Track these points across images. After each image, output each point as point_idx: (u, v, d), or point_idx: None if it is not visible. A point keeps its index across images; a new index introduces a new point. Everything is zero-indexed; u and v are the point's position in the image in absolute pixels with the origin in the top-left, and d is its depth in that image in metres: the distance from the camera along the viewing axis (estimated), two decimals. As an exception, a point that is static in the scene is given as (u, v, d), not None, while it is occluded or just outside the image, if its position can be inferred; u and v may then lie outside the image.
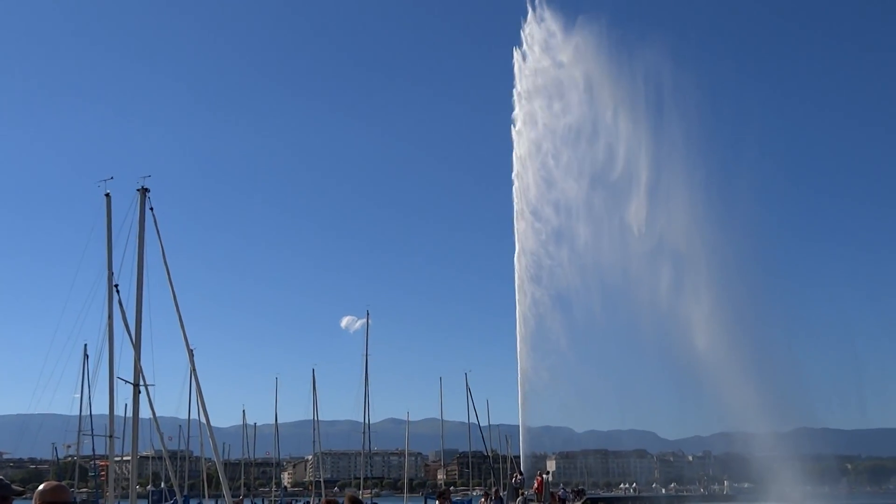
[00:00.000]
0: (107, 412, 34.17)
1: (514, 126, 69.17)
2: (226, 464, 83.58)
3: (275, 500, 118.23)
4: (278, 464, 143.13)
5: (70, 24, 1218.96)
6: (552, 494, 54.70)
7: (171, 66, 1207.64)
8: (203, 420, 36.69)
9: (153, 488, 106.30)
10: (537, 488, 52.57)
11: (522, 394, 63.40)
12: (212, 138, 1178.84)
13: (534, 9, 69.08)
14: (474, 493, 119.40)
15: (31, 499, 5.85)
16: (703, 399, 79.80)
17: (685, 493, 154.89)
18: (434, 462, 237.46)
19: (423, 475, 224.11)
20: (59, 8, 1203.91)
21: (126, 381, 32.61)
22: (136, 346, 32.31)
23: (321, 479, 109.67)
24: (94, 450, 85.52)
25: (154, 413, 33.68)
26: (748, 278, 74.87)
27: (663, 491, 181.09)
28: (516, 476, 59.39)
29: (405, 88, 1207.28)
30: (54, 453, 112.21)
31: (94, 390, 73.31)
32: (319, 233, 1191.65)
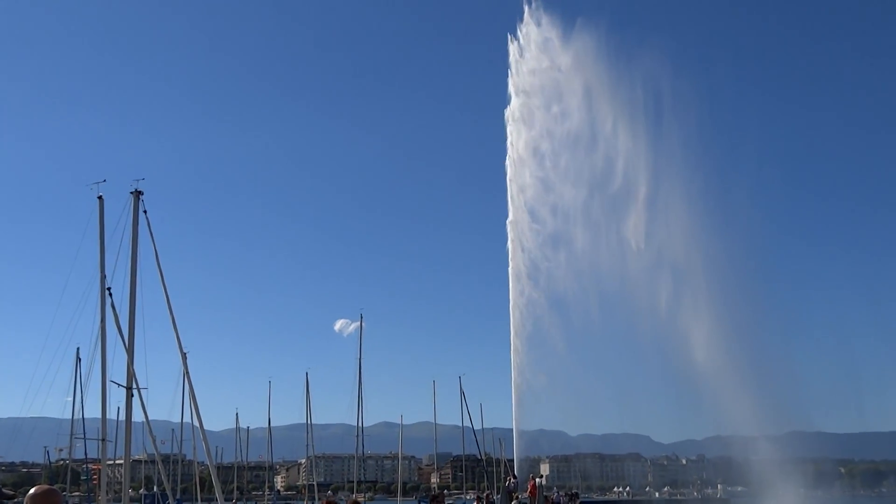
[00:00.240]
0: (99, 416, 34.12)
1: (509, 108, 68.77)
2: (219, 467, 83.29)
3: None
4: (271, 467, 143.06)
5: (63, 26, 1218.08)
6: (546, 498, 54.66)
7: (165, 68, 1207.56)
8: (196, 423, 36.52)
9: (146, 492, 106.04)
10: (531, 492, 52.53)
11: (516, 397, 63.31)
12: (206, 141, 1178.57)
13: (531, 11, 69.05)
14: (468, 497, 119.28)
15: (22, 503, 5.78)
16: (698, 403, 79.70)
17: (679, 497, 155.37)
18: (427, 465, 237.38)
19: (416, 479, 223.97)
20: (51, 10, 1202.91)
21: (119, 385, 32.54)
22: (129, 350, 32.21)
23: (314, 483, 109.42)
24: (86, 453, 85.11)
25: (147, 416, 33.59)
26: (746, 284, 74.95)
27: (657, 495, 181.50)
28: (510, 480, 59.33)
29: (399, 93, 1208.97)
30: (46, 457, 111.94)
31: (87, 394, 73.07)
32: (313, 236, 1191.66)
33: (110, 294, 32.42)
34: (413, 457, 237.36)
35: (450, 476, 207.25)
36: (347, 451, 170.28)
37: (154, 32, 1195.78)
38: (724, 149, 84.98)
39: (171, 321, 33.50)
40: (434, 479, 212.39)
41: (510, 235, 67.39)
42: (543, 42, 69.35)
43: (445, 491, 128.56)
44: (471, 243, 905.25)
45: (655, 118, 71.59)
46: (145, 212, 33.33)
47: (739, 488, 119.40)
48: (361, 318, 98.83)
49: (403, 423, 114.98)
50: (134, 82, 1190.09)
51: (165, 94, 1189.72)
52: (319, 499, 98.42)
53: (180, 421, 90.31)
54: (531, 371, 64.33)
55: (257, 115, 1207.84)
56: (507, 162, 68.68)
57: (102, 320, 32.73)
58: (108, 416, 34.50)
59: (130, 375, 32.23)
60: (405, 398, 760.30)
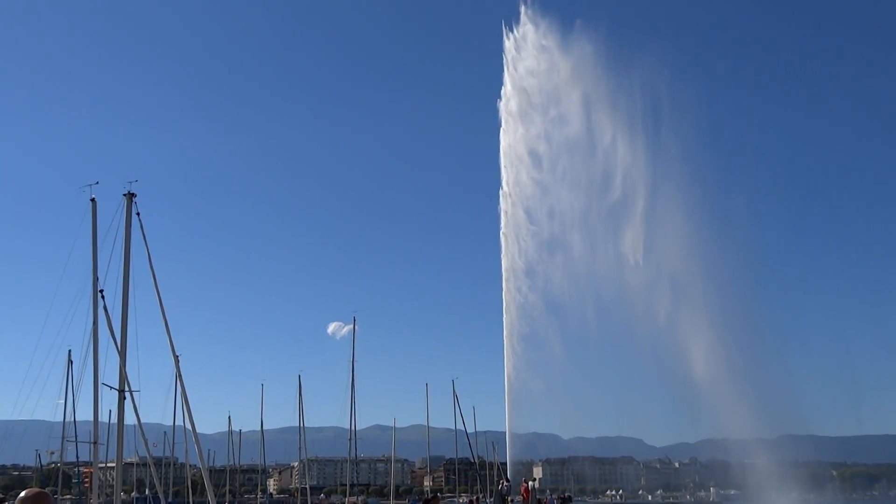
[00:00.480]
0: (91, 418, 33.94)
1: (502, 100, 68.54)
2: (211, 470, 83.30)
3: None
4: (264, 470, 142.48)
5: (55, 28, 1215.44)
6: (539, 501, 54.65)
7: (158, 70, 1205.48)
8: (188, 426, 36.44)
9: (138, 495, 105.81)
10: (524, 495, 52.53)
11: (509, 400, 63.26)
12: (198, 143, 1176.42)
13: (528, 15, 68.73)
14: (460, 500, 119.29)
15: (13, 506, 5.74)
16: (694, 409, 79.88)
17: (672, 500, 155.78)
18: (420, 469, 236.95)
19: (409, 482, 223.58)
20: (43, 13, 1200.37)
21: (111, 388, 32.41)
22: (122, 352, 32.10)
23: (307, 486, 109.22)
24: (77, 456, 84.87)
25: (139, 419, 33.46)
26: (743, 293, 75.24)
27: (650, 498, 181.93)
28: (503, 483, 59.27)
29: (393, 94, 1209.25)
30: (38, 460, 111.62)
31: (79, 396, 72.98)
32: (306, 239, 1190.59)
33: (103, 296, 32.34)
34: (406, 460, 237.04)
35: (443, 479, 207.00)
36: (340, 455, 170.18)
37: (147, 34, 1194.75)
38: (723, 157, 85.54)
39: (163, 323, 33.40)
40: (427, 483, 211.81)
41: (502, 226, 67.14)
42: (541, 47, 69.25)
43: (438, 494, 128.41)
44: (464, 246, 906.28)
45: (654, 128, 71.68)
46: (138, 214, 33.23)
47: (732, 491, 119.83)
48: (354, 320, 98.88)
49: (396, 426, 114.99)
50: (127, 84, 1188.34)
51: (158, 96, 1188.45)
52: (312, 502, 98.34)
53: (172, 424, 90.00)
54: (525, 372, 64.27)
55: (250, 116, 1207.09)
56: (501, 153, 68.41)
57: (95, 322, 32.63)
58: (99, 419, 34.33)
59: (122, 378, 32.13)
60: (398, 401, 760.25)
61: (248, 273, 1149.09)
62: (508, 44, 68.84)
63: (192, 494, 78.39)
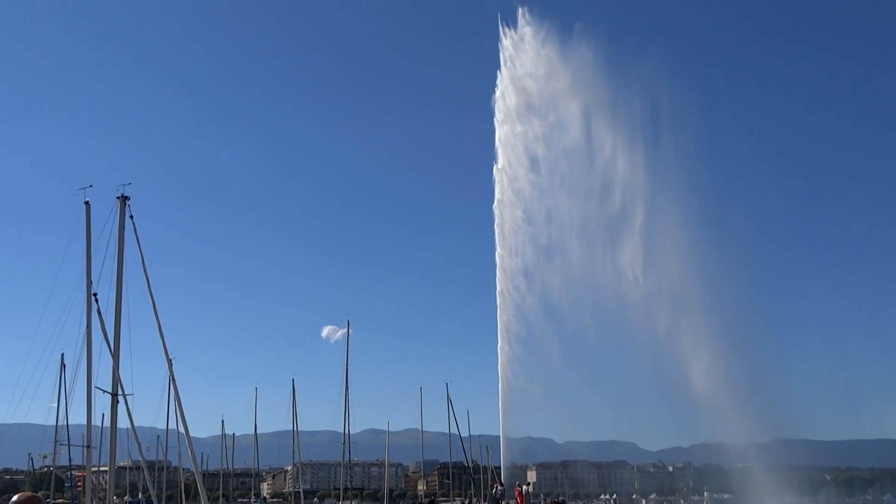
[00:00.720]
0: (84, 422, 33.81)
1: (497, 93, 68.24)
2: (204, 474, 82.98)
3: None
4: (257, 474, 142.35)
5: (48, 30, 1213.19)
6: (533, 505, 54.61)
7: (151, 72, 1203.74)
8: (182, 430, 36.37)
9: (130, 499, 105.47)
10: (517, 499, 52.53)
11: (503, 404, 63.16)
12: (192, 145, 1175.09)
13: (525, 20, 68.56)
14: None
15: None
16: (689, 414, 79.79)
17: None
18: (414, 473, 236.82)
19: (403, 486, 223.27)
20: (36, 14, 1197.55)
21: (104, 391, 32.33)
22: (115, 356, 32.02)
23: (300, 490, 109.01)
24: (70, 460, 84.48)
25: (132, 423, 33.36)
26: (741, 298, 75.32)
27: (644, 502, 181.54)
28: (497, 487, 59.31)
29: (387, 96, 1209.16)
30: (30, 463, 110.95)
31: (72, 400, 72.59)
32: (300, 242, 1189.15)
33: (96, 299, 32.26)
34: (400, 464, 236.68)
35: (437, 483, 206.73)
36: (334, 459, 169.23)
37: (141, 37, 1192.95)
38: (721, 164, 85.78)
39: (157, 327, 33.37)
40: (421, 487, 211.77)
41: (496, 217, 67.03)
42: (540, 51, 69.09)
43: (434, 499, 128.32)
44: (458, 250, 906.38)
45: (654, 138, 71.69)
46: (132, 217, 33.25)
47: (726, 495, 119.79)
48: (348, 324, 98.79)
49: (390, 430, 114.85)
50: (120, 87, 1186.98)
51: (152, 98, 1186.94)
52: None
53: (166, 427, 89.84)
54: (522, 375, 64.14)
55: (245, 120, 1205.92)
56: (497, 144, 68.22)
57: (88, 326, 32.55)
58: (92, 423, 34.21)
59: (116, 381, 32.06)
60: (392, 405, 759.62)
61: (242, 276, 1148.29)
62: (506, 42, 68.68)
63: (186, 498, 78.54)
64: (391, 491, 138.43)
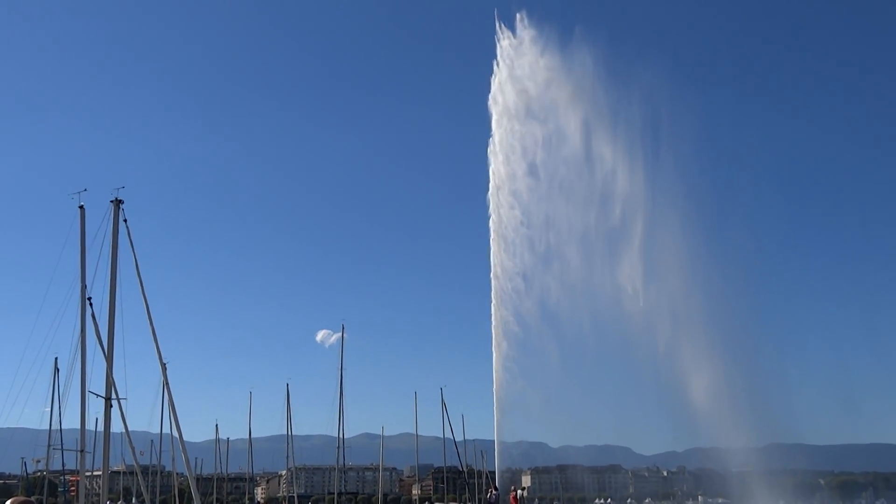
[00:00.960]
0: (78, 426, 33.74)
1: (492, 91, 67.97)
2: (198, 479, 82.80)
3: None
4: (251, 479, 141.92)
5: (42, 33, 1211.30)
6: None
7: (146, 75, 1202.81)
8: (175, 434, 36.31)
9: (124, 503, 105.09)
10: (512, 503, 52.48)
11: (498, 409, 62.99)
12: (186, 148, 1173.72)
13: (522, 26, 68.37)
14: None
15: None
16: (686, 419, 79.67)
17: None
18: (409, 477, 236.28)
19: (397, 490, 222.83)
20: (30, 17, 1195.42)
21: (98, 395, 32.28)
22: (109, 360, 31.97)
23: (295, 495, 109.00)
24: (63, 464, 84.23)
25: (126, 427, 33.32)
26: (740, 304, 75.37)
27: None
28: (491, 491, 59.21)
29: (384, 99, 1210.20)
30: (23, 468, 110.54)
31: (65, 404, 72.49)
32: (295, 246, 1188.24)
33: (90, 303, 32.21)
34: (394, 468, 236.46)
35: (431, 488, 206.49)
36: (328, 463, 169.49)
37: (134, 40, 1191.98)
38: (721, 171, 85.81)
39: (150, 331, 33.32)
40: (415, 491, 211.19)
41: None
42: (537, 63, 68.86)
43: (427, 502, 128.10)
44: (454, 254, 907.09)
45: (653, 149, 71.60)
46: (125, 220, 33.18)
47: (720, 500, 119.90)
48: (343, 328, 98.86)
49: (385, 434, 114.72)
50: (114, 90, 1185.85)
51: (145, 101, 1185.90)
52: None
53: (160, 432, 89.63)
54: (519, 378, 63.93)
55: (240, 123, 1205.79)
56: (490, 141, 68.02)
57: (82, 330, 32.51)
58: (86, 427, 34.13)
59: (110, 385, 32.00)
60: (386, 409, 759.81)
61: (236, 280, 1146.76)
62: (504, 43, 68.34)
63: (179, 503, 78.17)
64: (385, 495, 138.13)
